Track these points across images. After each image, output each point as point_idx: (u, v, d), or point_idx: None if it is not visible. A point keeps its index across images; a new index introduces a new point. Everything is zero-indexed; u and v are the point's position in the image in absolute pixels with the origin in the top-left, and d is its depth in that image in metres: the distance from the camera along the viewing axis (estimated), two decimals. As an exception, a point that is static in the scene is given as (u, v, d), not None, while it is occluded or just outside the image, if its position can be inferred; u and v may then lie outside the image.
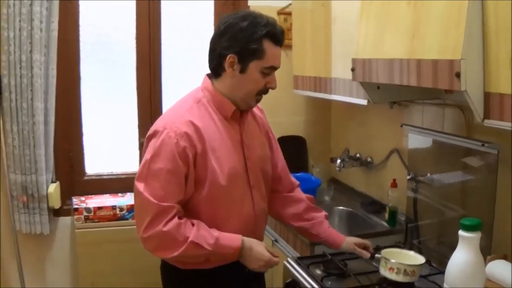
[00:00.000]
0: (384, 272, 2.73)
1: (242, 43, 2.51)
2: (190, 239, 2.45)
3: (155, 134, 2.51)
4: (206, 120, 2.59)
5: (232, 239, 2.57)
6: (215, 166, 2.56)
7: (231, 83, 2.60)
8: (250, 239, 2.63)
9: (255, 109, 2.87)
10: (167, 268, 2.72)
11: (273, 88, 2.66)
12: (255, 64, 2.54)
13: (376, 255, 2.90)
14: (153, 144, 2.50)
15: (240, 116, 2.72)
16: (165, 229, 2.43)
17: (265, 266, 2.61)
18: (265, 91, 2.66)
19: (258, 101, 2.70)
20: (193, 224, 2.51)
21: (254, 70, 2.56)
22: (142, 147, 4.42)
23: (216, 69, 2.62)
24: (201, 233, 2.49)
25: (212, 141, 2.56)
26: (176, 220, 2.46)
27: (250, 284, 2.80)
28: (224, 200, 2.61)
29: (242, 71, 2.56)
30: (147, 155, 2.50)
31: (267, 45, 2.54)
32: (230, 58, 2.52)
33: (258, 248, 2.61)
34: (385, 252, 2.81)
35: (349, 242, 2.99)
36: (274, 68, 2.61)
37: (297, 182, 3.21)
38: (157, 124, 2.56)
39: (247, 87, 2.60)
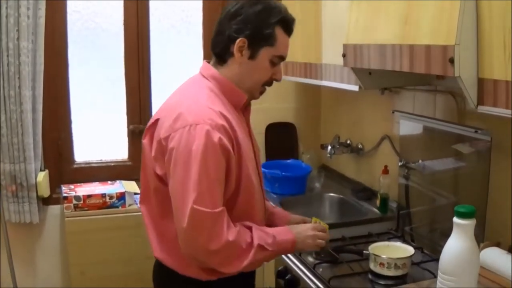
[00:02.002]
0: (375, 268, 2.74)
1: (255, 26, 2.37)
2: (255, 242, 2.31)
3: (184, 127, 2.23)
4: (227, 110, 2.39)
5: (284, 232, 2.47)
6: (246, 159, 2.39)
7: (239, 70, 2.44)
8: (291, 225, 2.59)
9: None
10: (162, 275, 2.54)
11: (278, 80, 2.54)
12: (266, 51, 2.41)
13: (365, 252, 2.90)
14: (186, 141, 2.21)
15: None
16: (231, 238, 2.23)
17: (317, 235, 2.54)
18: (270, 82, 2.53)
19: (262, 93, 2.57)
20: (247, 227, 2.36)
21: (264, 58, 2.42)
22: (132, 134, 4.42)
23: (222, 53, 2.45)
24: (260, 234, 2.35)
25: (238, 132, 2.37)
26: (233, 226, 2.29)
27: None
28: (253, 194, 2.47)
29: (252, 57, 2.41)
30: (184, 158, 2.21)
31: (279, 33, 2.42)
32: (240, 42, 2.37)
33: (302, 228, 2.56)
34: (373, 248, 2.82)
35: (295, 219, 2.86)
36: (282, 58, 2.49)
37: None
38: (183, 116, 2.26)
39: (255, 75, 2.46)
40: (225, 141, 2.24)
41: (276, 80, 2.54)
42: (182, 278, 2.42)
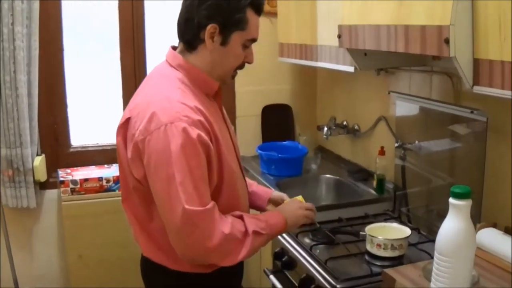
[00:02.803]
0: (371, 249, 2.75)
1: (225, 12, 2.25)
2: (250, 230, 2.28)
3: (159, 128, 2.14)
4: (200, 102, 2.29)
5: (274, 215, 2.47)
6: (224, 149, 2.32)
7: (210, 57, 2.32)
8: (279, 207, 2.61)
9: None
10: (152, 270, 2.48)
11: (250, 62, 2.44)
12: (238, 36, 2.30)
13: (361, 233, 2.90)
14: (164, 142, 2.12)
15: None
16: (226, 231, 2.18)
17: (306, 214, 2.57)
18: (242, 66, 2.44)
19: (233, 77, 2.48)
20: (238, 216, 2.32)
21: (236, 43, 2.32)
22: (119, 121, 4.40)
23: (192, 41, 2.33)
24: (253, 221, 2.32)
25: (214, 124, 2.28)
26: (225, 218, 2.24)
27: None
28: (235, 182, 2.42)
29: (223, 43, 2.30)
30: (165, 160, 2.13)
31: (250, 15, 2.30)
32: (210, 28, 2.24)
33: (290, 207, 2.58)
34: (369, 229, 2.83)
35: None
36: (254, 41, 2.38)
37: None
38: (156, 116, 2.16)
39: (227, 61, 2.37)
40: (204, 136, 2.18)
41: (248, 63, 2.45)
42: (174, 273, 2.39)
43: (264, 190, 2.88)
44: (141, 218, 2.40)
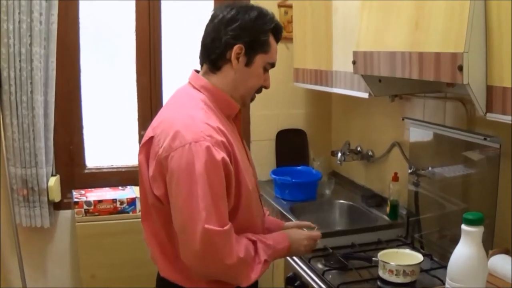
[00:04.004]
0: (384, 275, 2.74)
1: (253, 33, 2.36)
2: (262, 258, 2.35)
3: (184, 146, 2.18)
4: (222, 124, 2.34)
5: (282, 241, 2.51)
6: (243, 171, 2.35)
7: (234, 77, 2.40)
8: (288, 231, 2.63)
9: None
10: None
11: (267, 87, 2.53)
12: (261, 58, 2.40)
13: (374, 259, 2.90)
14: (187, 160, 2.16)
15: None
16: (241, 255, 2.24)
17: (310, 244, 2.60)
18: (260, 89, 2.53)
19: (252, 100, 2.58)
20: (251, 240, 2.37)
21: (259, 65, 2.41)
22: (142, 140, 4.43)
23: (217, 60, 2.40)
24: (264, 248, 2.38)
25: (234, 145, 2.33)
26: (240, 240, 2.29)
27: None
28: (251, 204, 2.45)
29: (248, 64, 2.39)
30: (187, 178, 2.16)
31: (271, 40, 2.42)
32: (237, 48, 2.34)
33: (297, 236, 2.59)
34: (382, 254, 2.82)
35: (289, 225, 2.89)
36: (273, 65, 2.49)
37: None
38: (181, 134, 2.20)
39: (250, 82, 2.44)
40: (226, 158, 2.22)
41: (265, 87, 2.53)
42: None
43: (275, 220, 2.92)
44: (160, 238, 2.41)
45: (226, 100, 2.44)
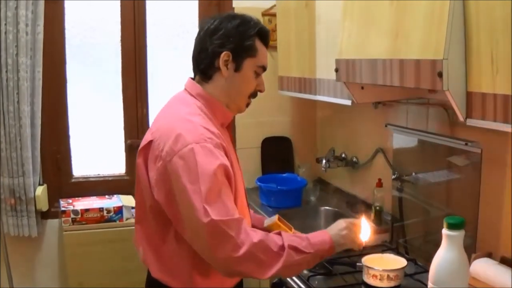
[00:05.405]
0: (368, 280, 2.76)
1: (236, 39, 2.43)
2: (286, 243, 2.28)
3: (186, 147, 2.23)
4: (217, 130, 2.41)
5: (318, 233, 2.44)
6: (237, 176, 2.44)
7: (225, 84, 2.48)
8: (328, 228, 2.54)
9: None
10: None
11: (262, 91, 2.61)
12: (249, 62, 2.47)
13: (358, 264, 2.92)
14: (191, 162, 2.21)
15: None
16: (255, 239, 2.22)
17: (350, 235, 2.49)
18: (255, 94, 2.60)
19: (248, 105, 2.63)
20: (277, 233, 2.35)
21: (249, 69, 2.48)
22: (129, 149, 4.44)
23: (207, 70, 2.48)
24: (291, 238, 2.33)
25: (229, 151, 2.41)
26: (256, 231, 2.28)
27: None
28: (244, 207, 2.55)
29: (237, 69, 2.46)
30: (191, 178, 2.20)
31: (258, 44, 2.50)
32: (224, 55, 2.42)
33: (334, 225, 2.53)
34: (366, 259, 2.83)
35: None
36: (264, 69, 2.56)
37: None
38: (182, 137, 2.26)
39: (241, 87, 2.52)
40: (227, 160, 2.30)
41: (260, 91, 2.61)
42: None
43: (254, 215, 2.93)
44: (154, 240, 2.46)
45: (220, 109, 2.51)
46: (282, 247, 2.27)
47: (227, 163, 2.29)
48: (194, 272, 2.40)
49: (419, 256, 3.10)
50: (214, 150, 2.25)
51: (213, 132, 2.32)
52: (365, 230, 2.56)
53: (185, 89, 2.57)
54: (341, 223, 2.52)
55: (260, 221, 2.83)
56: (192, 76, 2.59)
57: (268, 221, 2.77)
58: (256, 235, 2.24)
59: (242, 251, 2.19)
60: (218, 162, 2.23)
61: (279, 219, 2.72)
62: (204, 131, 2.29)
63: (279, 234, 2.34)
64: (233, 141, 2.65)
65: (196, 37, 2.53)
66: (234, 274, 2.37)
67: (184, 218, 2.25)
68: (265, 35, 2.55)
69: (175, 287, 2.43)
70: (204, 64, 2.48)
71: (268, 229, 2.57)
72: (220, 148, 2.30)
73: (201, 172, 2.19)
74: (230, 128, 2.70)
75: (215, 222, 2.15)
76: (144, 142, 2.43)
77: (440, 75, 2.20)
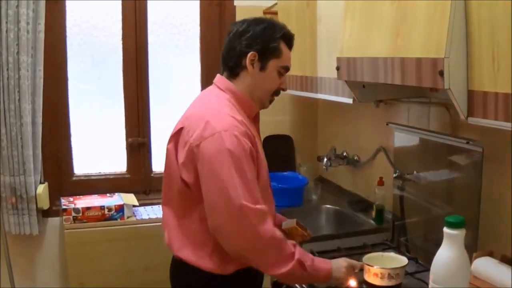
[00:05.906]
0: (368, 278, 2.74)
1: (263, 41, 2.64)
2: (297, 256, 2.47)
3: (214, 134, 2.43)
4: (245, 119, 2.62)
5: (322, 260, 2.62)
6: (263, 164, 2.65)
7: (251, 81, 2.68)
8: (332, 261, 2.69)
9: None
10: (182, 273, 2.71)
11: (284, 89, 2.81)
12: (274, 63, 2.67)
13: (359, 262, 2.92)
14: (219, 146, 2.40)
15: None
16: (276, 235, 2.45)
17: (349, 271, 2.66)
18: (278, 92, 2.79)
19: (271, 101, 2.82)
20: (292, 243, 2.53)
21: (273, 69, 2.68)
22: (130, 147, 4.43)
23: (235, 68, 2.69)
24: (302, 252, 2.52)
25: (256, 140, 2.61)
26: (278, 230, 2.50)
27: None
28: (268, 195, 2.72)
29: (262, 69, 2.67)
30: (220, 162, 2.40)
31: (283, 46, 2.70)
32: (251, 55, 2.63)
33: (339, 261, 2.68)
34: (367, 258, 2.82)
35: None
36: (287, 69, 2.75)
37: None
38: (210, 124, 2.46)
39: (265, 85, 2.71)
40: (252, 148, 2.49)
41: (283, 90, 2.81)
42: (203, 274, 2.59)
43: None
44: (180, 220, 2.67)
45: (247, 102, 2.71)
46: (292, 255, 2.46)
47: (253, 150, 2.49)
48: (215, 251, 2.56)
49: (420, 255, 3.10)
50: (241, 137, 2.44)
51: (240, 121, 2.51)
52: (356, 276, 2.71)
53: (214, 83, 2.78)
54: (344, 261, 2.69)
55: (277, 219, 2.96)
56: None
57: (286, 223, 2.89)
58: (276, 232, 2.46)
59: (260, 241, 2.41)
60: (244, 149, 2.43)
61: (297, 223, 2.87)
62: (231, 120, 2.49)
63: (294, 245, 2.50)
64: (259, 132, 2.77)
65: (226, 38, 2.73)
66: (241, 259, 2.51)
67: (211, 198, 2.45)
68: (289, 38, 2.75)
69: (196, 266, 2.58)
70: (232, 62, 2.69)
71: (285, 232, 2.79)
72: (246, 136, 2.48)
73: (228, 158, 2.39)
74: (257, 120, 2.87)
75: (244, 206, 2.37)
76: (175, 129, 2.67)
77: (441, 73, 2.20)
